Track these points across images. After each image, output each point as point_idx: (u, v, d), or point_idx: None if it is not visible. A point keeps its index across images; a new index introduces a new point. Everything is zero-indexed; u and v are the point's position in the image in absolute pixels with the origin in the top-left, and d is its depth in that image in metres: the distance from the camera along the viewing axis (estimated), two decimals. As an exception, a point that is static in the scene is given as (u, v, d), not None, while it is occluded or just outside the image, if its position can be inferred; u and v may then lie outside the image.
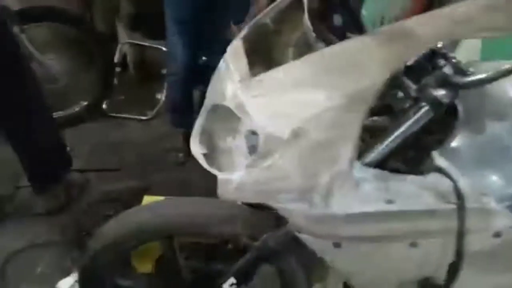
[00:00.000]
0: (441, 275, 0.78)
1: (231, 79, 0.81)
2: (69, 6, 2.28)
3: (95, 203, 1.77)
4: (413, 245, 0.76)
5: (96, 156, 2.14)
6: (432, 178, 0.73)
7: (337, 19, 1.77)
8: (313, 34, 0.96)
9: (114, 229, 1.00)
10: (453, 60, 0.77)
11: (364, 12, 1.41)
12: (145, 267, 1.16)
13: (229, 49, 0.91)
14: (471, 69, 0.75)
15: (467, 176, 0.73)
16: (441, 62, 0.77)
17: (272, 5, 0.97)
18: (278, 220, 0.85)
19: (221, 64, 0.90)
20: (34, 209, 1.76)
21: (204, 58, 2.15)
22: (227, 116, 0.82)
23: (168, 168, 2.07)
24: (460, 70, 0.74)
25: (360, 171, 0.72)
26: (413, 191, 0.74)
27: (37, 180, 1.74)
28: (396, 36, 0.72)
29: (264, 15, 0.97)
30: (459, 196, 0.71)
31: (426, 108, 0.73)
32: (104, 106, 2.45)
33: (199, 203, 1.00)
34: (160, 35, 2.20)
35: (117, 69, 2.45)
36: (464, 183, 0.71)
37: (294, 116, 0.70)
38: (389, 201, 0.73)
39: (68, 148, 1.85)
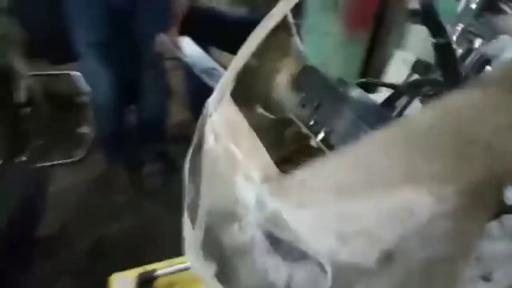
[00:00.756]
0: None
1: (245, 175, 0.54)
2: None
3: None
4: None
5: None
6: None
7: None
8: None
9: None
10: None
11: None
12: None
13: (219, 118, 0.63)
14: None
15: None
16: None
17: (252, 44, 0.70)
18: None
19: (209, 142, 0.62)
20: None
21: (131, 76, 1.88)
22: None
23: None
24: None
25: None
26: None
27: None
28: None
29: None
30: None
31: None
32: (23, 159, 2.02)
33: None
34: (66, 58, 1.87)
35: (25, 110, 2.02)
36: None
37: (381, 233, 0.45)
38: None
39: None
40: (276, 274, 0.58)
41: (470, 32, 0.89)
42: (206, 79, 1.84)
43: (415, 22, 1.59)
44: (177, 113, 2.23)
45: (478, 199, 0.43)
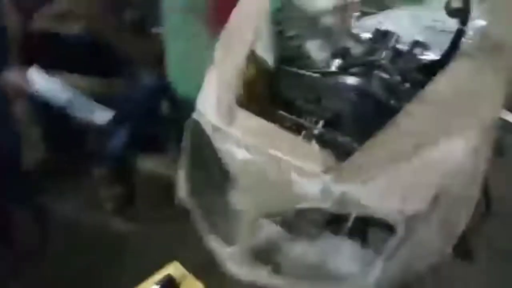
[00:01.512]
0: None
1: (299, 173, 0.60)
2: None
3: None
4: None
5: None
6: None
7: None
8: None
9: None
10: None
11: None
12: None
13: (241, 129, 0.65)
14: None
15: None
16: None
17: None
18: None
19: (239, 155, 0.64)
20: None
21: None
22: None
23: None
24: None
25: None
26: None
27: None
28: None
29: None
30: None
31: None
32: None
33: None
34: None
35: None
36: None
37: (429, 182, 0.59)
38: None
39: None
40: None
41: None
42: (68, 110, 1.66)
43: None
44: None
45: (487, 133, 0.61)
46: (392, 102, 0.77)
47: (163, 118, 1.92)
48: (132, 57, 1.68)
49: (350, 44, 1.00)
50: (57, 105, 1.66)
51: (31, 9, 1.74)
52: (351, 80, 0.80)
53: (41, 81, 1.65)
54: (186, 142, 0.79)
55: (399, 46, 0.94)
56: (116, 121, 1.64)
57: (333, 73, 0.85)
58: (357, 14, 1.10)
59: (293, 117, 0.80)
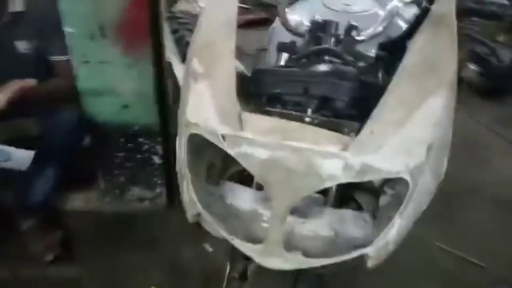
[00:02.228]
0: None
1: (323, 156, 0.67)
2: None
3: None
4: None
5: None
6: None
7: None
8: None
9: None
10: None
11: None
12: None
13: (254, 129, 0.69)
14: None
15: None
16: None
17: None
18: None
19: (260, 155, 0.68)
20: None
21: None
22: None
23: None
24: None
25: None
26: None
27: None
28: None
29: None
30: None
31: None
32: None
33: None
34: None
35: None
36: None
37: (422, 138, 0.71)
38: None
39: None
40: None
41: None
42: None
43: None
44: None
45: (453, 88, 0.74)
46: (368, 79, 0.88)
47: (85, 150, 1.80)
48: (40, 91, 1.54)
49: (290, 38, 1.09)
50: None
51: None
52: (323, 67, 0.88)
53: None
54: (183, 159, 0.79)
55: (340, 32, 1.06)
56: (38, 161, 1.49)
57: (305, 64, 0.92)
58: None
59: (281, 110, 0.85)
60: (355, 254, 0.73)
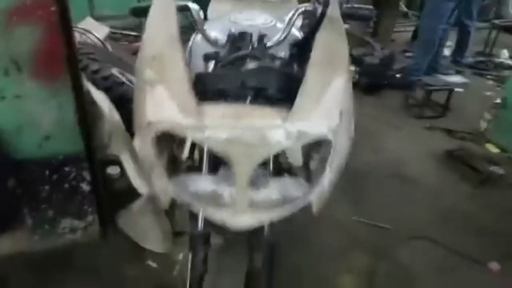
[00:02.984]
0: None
1: (270, 127, 0.86)
2: None
3: None
4: None
5: None
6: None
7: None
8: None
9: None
10: None
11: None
12: None
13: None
14: None
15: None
16: None
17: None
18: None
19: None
20: None
21: None
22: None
23: None
24: None
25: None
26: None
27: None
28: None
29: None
30: None
31: None
32: None
33: None
34: None
35: None
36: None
37: (336, 105, 0.93)
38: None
39: None
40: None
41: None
42: None
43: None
44: None
45: (350, 73, 0.99)
46: (288, 71, 1.10)
47: (9, 190, 1.73)
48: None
49: (211, 49, 1.26)
50: None
51: None
52: (251, 66, 1.07)
53: None
54: (150, 154, 0.91)
55: (254, 40, 1.26)
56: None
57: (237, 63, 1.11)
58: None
59: (226, 102, 1.02)
60: (303, 203, 0.93)
